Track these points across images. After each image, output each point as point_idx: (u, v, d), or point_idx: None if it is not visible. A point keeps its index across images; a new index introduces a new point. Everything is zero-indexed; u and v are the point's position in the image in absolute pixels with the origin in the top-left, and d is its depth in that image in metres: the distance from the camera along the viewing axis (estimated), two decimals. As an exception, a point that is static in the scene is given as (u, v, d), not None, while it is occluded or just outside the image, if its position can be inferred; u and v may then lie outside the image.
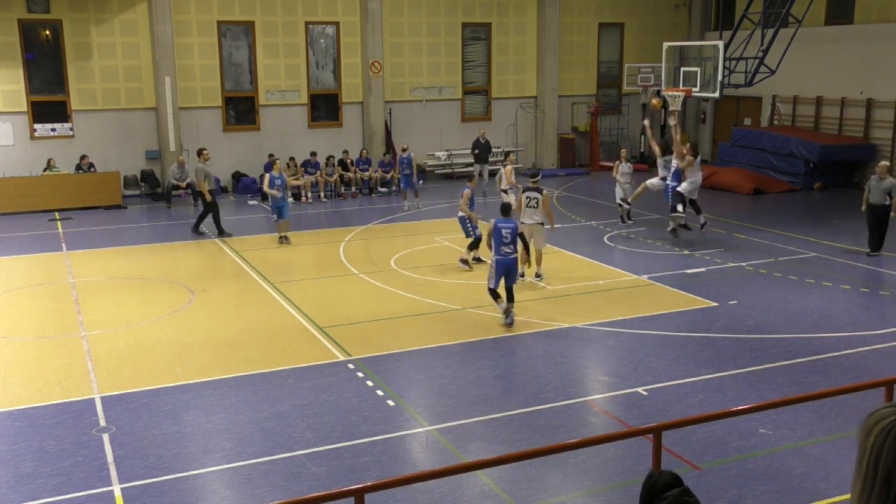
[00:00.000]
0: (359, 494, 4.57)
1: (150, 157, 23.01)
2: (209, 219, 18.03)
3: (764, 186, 22.76)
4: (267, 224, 19.86)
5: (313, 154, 23.11)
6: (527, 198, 13.82)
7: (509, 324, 11.64)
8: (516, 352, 10.81)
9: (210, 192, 17.86)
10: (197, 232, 18.03)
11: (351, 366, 10.35)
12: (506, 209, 12.49)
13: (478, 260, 15.06)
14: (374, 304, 12.97)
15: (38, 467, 7.83)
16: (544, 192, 14.11)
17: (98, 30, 22.13)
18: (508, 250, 11.65)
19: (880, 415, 2.32)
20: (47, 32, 22.00)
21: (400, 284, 13.97)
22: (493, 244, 11.74)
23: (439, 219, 19.85)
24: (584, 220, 19.21)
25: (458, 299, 13.07)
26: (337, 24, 24.58)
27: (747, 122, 27.16)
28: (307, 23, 24.23)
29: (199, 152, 18.51)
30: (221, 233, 17.91)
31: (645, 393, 9.42)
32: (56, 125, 22.18)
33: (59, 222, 19.72)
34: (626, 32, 28.48)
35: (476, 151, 23.13)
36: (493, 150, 24.99)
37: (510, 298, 11.78)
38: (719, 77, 20.13)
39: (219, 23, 23.26)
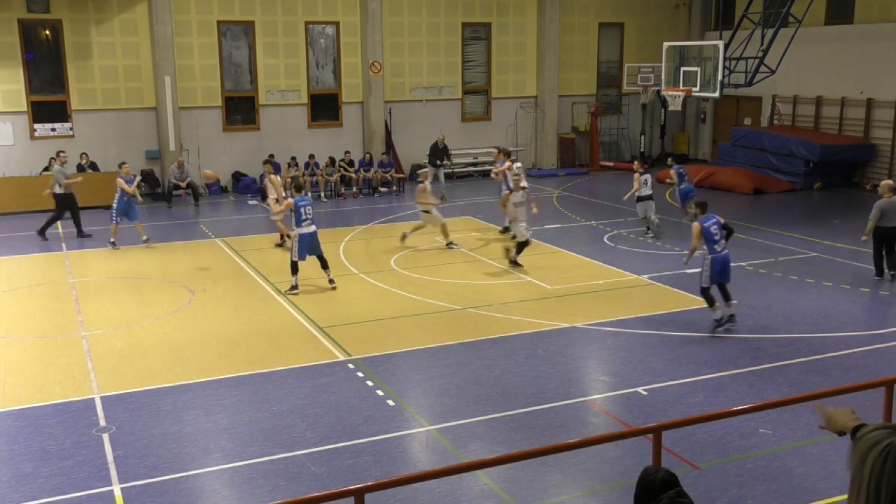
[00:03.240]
0: (359, 494, 4.56)
1: (150, 157, 23.02)
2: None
3: (764, 186, 22.75)
4: (266, 223, 19.89)
5: (311, 157, 23.09)
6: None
7: (720, 323, 11.43)
8: (516, 352, 10.80)
9: (65, 195, 17.69)
10: (42, 236, 17.78)
11: (351, 366, 10.35)
12: (703, 206, 11.90)
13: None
14: (374, 304, 12.98)
15: (38, 467, 7.83)
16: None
17: (98, 30, 22.14)
18: (718, 248, 11.36)
19: (873, 438, 2.22)
20: (47, 32, 22.00)
21: (400, 284, 13.97)
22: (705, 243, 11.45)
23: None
24: (584, 220, 19.20)
25: (458, 299, 13.07)
26: (337, 24, 24.58)
27: (747, 121, 27.16)
28: (307, 23, 24.23)
29: (57, 154, 18.38)
30: (81, 234, 17.87)
31: (645, 393, 9.43)
32: (56, 125, 22.19)
33: (59, 222, 19.70)
34: (626, 32, 28.48)
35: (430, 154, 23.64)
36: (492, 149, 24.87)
37: (726, 297, 11.61)
38: (719, 77, 20.14)
39: (219, 23, 23.27)
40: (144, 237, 17.08)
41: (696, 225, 11.54)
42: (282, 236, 16.69)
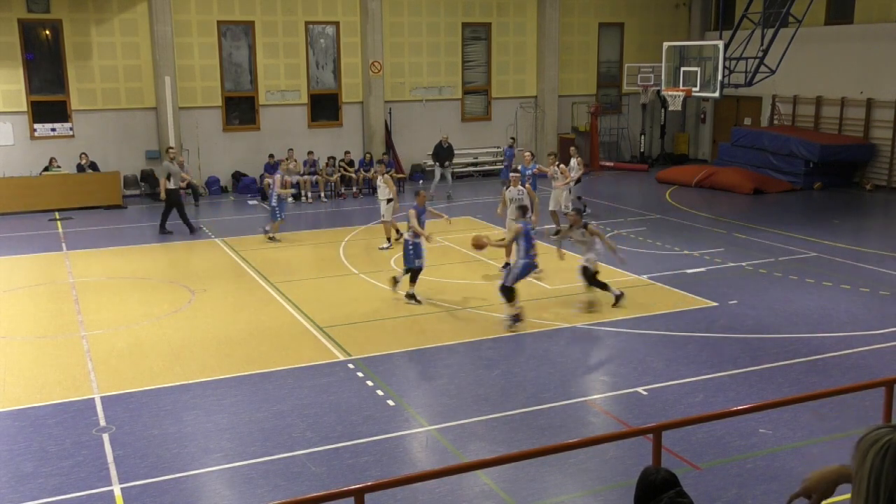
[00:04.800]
0: (359, 494, 4.56)
1: (150, 157, 23.01)
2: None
3: (764, 186, 22.75)
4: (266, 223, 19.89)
5: (310, 153, 23.09)
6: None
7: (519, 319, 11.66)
8: (516, 352, 10.81)
9: (174, 190, 17.99)
10: (164, 231, 18.08)
11: (351, 366, 10.35)
12: (523, 210, 12.42)
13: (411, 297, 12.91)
14: (374, 304, 12.97)
15: (38, 467, 7.83)
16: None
17: (98, 30, 22.13)
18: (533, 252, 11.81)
19: (874, 436, 2.26)
20: (47, 32, 21.99)
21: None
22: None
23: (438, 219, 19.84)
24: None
25: (458, 299, 13.07)
26: (337, 24, 24.58)
27: (747, 121, 27.16)
28: (307, 23, 24.23)
29: (167, 150, 18.87)
30: (192, 230, 18.09)
31: (645, 393, 9.42)
32: (56, 125, 22.18)
33: (59, 222, 19.72)
34: (626, 32, 28.48)
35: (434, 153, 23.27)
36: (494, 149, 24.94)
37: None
38: (719, 77, 20.14)
39: (219, 23, 23.27)
40: (273, 234, 17.42)
41: (518, 227, 11.99)
42: (388, 238, 16.54)
